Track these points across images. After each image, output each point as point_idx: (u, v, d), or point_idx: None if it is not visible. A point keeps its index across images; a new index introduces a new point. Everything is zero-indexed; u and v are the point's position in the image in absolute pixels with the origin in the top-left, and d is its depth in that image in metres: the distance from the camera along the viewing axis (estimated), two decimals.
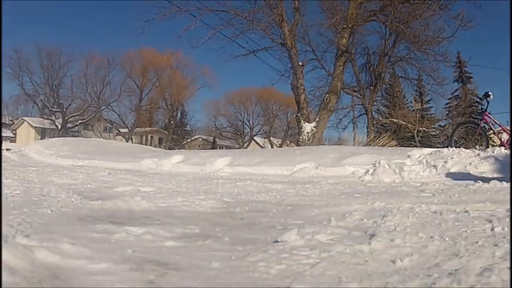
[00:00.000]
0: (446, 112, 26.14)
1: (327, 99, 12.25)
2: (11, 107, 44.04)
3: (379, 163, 4.76)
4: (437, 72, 15.75)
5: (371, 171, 4.71)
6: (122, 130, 40.46)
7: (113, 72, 39.06)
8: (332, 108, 12.55)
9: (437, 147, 10.43)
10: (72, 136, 30.17)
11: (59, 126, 37.61)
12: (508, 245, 1.35)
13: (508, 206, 2.01)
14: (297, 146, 11.77)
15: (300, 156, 6.56)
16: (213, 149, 31.82)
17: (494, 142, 7.44)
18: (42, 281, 1.04)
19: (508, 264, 1.14)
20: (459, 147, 6.05)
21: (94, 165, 7.29)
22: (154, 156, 7.99)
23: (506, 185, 3.21)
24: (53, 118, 38.64)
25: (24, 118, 41.08)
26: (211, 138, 46.00)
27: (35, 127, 39.13)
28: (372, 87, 17.15)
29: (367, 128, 16.98)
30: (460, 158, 4.79)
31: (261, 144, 40.67)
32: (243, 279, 1.16)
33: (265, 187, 3.78)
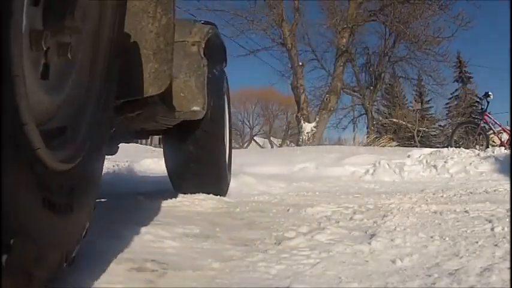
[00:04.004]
0: (446, 112, 26.15)
1: (327, 99, 12.28)
2: None
3: (379, 163, 4.76)
4: (437, 72, 15.80)
5: (371, 171, 4.71)
6: None
7: None
8: (332, 108, 12.58)
9: (437, 147, 10.43)
10: None
11: None
12: (508, 245, 1.35)
13: (508, 206, 2.01)
14: (297, 146, 11.79)
15: (300, 156, 6.57)
16: None
17: (494, 142, 7.44)
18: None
19: (508, 264, 1.14)
20: (459, 147, 6.05)
21: None
22: (154, 156, 7.99)
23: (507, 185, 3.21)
24: None
25: None
26: None
27: None
28: (372, 87, 17.14)
29: (367, 128, 16.99)
30: (460, 158, 4.80)
31: (261, 144, 40.64)
32: (243, 279, 1.16)
33: (265, 187, 3.79)
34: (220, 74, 2.99)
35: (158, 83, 1.60)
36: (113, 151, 2.70)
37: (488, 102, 7.19)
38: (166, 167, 2.96)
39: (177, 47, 2.37)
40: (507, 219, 1.77)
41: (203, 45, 2.54)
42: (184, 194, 2.83)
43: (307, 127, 11.78)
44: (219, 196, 2.85)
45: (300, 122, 11.98)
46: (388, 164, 4.73)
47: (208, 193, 2.82)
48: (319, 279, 1.14)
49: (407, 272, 1.16)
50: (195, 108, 2.39)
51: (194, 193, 2.81)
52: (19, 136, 0.70)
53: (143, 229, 1.71)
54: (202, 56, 2.52)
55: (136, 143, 11.50)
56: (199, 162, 2.73)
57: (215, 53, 2.90)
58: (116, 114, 1.61)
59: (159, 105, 1.89)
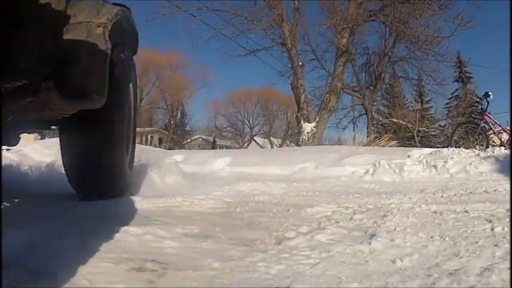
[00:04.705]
0: (446, 112, 26.20)
1: (327, 99, 12.26)
2: None
3: (379, 163, 4.76)
4: (437, 72, 15.74)
5: (371, 171, 4.71)
6: None
7: None
8: (332, 108, 12.56)
9: (437, 147, 10.43)
10: None
11: None
12: (508, 245, 1.35)
13: (508, 206, 2.01)
14: (297, 146, 11.78)
15: (300, 156, 6.56)
16: (213, 149, 31.83)
17: (494, 142, 7.44)
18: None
19: (508, 264, 1.14)
20: (459, 147, 6.05)
21: None
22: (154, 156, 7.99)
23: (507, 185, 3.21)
24: None
25: None
26: (211, 138, 45.99)
27: None
28: (372, 87, 17.12)
29: (367, 128, 16.97)
30: (460, 158, 4.79)
31: (261, 144, 40.64)
32: (243, 279, 1.16)
33: (265, 187, 3.79)
34: (127, 61, 2.69)
35: (45, 63, 1.38)
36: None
37: (488, 102, 7.18)
38: (63, 164, 2.65)
39: (81, 28, 2.18)
40: (507, 219, 1.77)
41: (109, 28, 2.28)
42: (184, 194, 2.83)
43: (307, 127, 11.77)
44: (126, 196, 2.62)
45: (300, 122, 11.97)
46: (388, 164, 4.73)
47: (107, 194, 2.54)
48: (319, 279, 1.14)
49: (407, 272, 1.17)
50: (94, 96, 2.13)
51: (96, 193, 2.51)
52: None
53: (143, 229, 1.71)
54: (107, 39, 2.26)
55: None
56: (96, 160, 2.45)
57: (123, 37, 2.64)
58: (8, 102, 1.44)
59: (53, 91, 1.69)
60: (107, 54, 2.23)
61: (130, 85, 2.85)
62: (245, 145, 41.97)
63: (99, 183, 2.56)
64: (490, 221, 1.77)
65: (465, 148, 5.69)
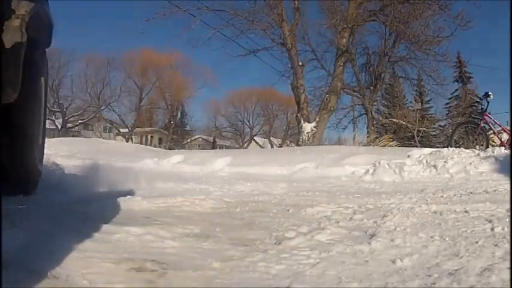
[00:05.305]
0: (446, 112, 26.18)
1: (327, 99, 12.26)
2: None
3: (379, 163, 4.76)
4: (437, 72, 15.71)
5: (371, 171, 4.71)
6: (122, 130, 40.44)
7: (112, 72, 38.98)
8: (332, 108, 12.56)
9: (437, 147, 10.41)
10: (72, 136, 30.13)
11: (59, 126, 37.54)
12: (508, 245, 1.35)
13: (508, 206, 2.01)
14: (297, 146, 11.78)
15: (300, 156, 6.56)
16: (213, 149, 31.85)
17: (494, 142, 7.43)
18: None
19: (508, 264, 1.14)
20: (459, 147, 6.05)
21: None
22: (154, 156, 7.99)
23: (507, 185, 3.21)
24: (53, 118, 38.53)
25: None
26: (211, 138, 46.00)
27: None
28: (372, 87, 17.11)
29: (367, 128, 16.96)
30: (460, 158, 4.79)
31: (261, 144, 40.65)
32: (243, 279, 1.16)
33: (265, 187, 3.79)
34: (40, 56, 2.63)
35: None
36: None
37: (488, 102, 7.17)
38: None
39: None
40: (507, 219, 1.77)
41: (27, 20, 2.15)
42: (184, 194, 2.83)
43: (307, 127, 11.77)
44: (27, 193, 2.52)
45: (300, 122, 11.97)
46: (388, 164, 4.73)
47: (17, 189, 2.44)
48: (319, 279, 1.14)
49: (407, 272, 1.17)
50: (8, 90, 2.04)
51: (5, 189, 2.33)
52: None
53: (143, 229, 1.71)
54: (24, 31, 2.13)
55: None
56: (5, 155, 2.36)
57: (39, 30, 2.53)
58: None
59: None
60: (22, 47, 2.13)
61: (42, 79, 2.78)
62: (245, 145, 41.96)
63: (8, 179, 2.45)
64: (490, 221, 1.77)
65: (465, 148, 5.69)
